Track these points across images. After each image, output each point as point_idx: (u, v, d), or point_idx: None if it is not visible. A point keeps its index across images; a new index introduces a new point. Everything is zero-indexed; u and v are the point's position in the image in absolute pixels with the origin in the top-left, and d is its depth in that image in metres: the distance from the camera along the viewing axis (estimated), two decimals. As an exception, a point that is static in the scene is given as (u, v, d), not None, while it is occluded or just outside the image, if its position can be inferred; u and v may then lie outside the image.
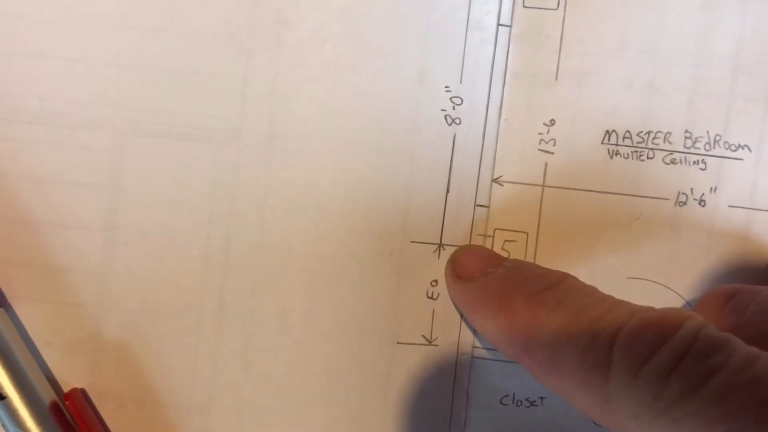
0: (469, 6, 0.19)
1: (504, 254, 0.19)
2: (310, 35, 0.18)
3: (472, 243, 0.19)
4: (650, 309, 0.15)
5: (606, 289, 0.18)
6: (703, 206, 0.19)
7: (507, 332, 0.16)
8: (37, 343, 0.18)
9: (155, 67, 0.18)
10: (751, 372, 0.12)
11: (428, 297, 0.19)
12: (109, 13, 0.18)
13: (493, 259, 0.18)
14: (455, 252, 0.19)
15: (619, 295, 0.19)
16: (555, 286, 0.16)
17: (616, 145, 0.19)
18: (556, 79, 0.19)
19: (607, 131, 0.19)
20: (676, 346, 0.13)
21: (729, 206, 0.19)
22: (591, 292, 0.16)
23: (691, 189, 0.19)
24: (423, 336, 0.19)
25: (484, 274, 0.17)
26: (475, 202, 0.19)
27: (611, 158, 0.19)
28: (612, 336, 0.14)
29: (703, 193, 0.19)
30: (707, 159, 0.19)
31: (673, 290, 0.19)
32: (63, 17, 0.18)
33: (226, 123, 0.18)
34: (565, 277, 0.16)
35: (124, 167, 0.18)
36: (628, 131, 0.19)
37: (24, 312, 0.18)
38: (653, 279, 0.19)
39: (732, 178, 0.19)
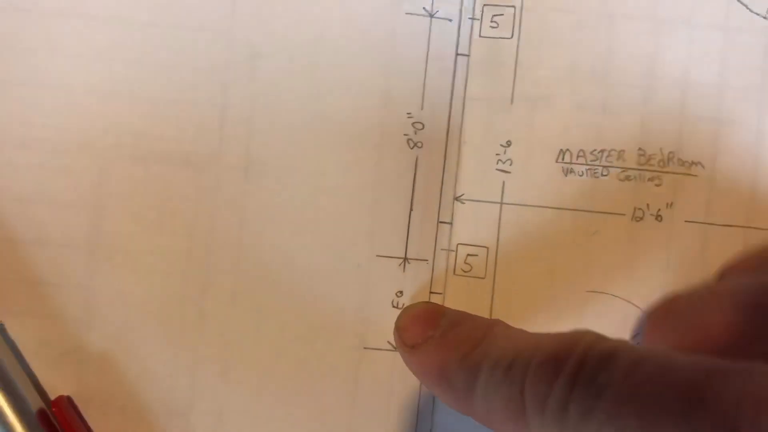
0: (429, 38, 0.20)
1: (467, 268, 0.20)
2: (281, 67, 0.20)
3: (414, 304, 0.20)
4: (554, 338, 0.15)
5: (566, 302, 0.19)
6: (660, 221, 0.20)
7: (449, 399, 0.17)
8: (25, 354, 0.19)
9: (137, 96, 0.19)
10: (634, 380, 0.13)
11: (393, 306, 0.20)
12: (94, 45, 0.19)
13: (431, 321, 0.18)
14: (399, 318, 0.19)
15: (579, 309, 0.19)
16: (481, 341, 0.17)
17: (570, 163, 0.20)
18: (512, 103, 0.20)
19: (561, 150, 0.20)
20: (568, 374, 0.14)
21: (685, 221, 0.20)
22: (510, 336, 0.17)
23: (647, 204, 0.20)
24: (389, 342, 0.20)
25: (425, 340, 0.18)
26: (438, 218, 0.20)
27: (566, 176, 0.20)
28: (522, 381, 0.15)
29: (659, 209, 0.20)
30: (662, 175, 0.20)
31: (632, 303, 0.20)
32: (48, 47, 0.19)
33: (205, 148, 0.20)
34: (491, 326, 0.17)
35: (108, 189, 0.19)
36: (581, 150, 0.20)
37: (13, 325, 0.19)
38: (612, 293, 0.20)
39: (687, 193, 0.20)
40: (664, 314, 0.18)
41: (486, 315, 0.20)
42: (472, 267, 0.20)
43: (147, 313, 0.20)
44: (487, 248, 0.20)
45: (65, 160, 0.19)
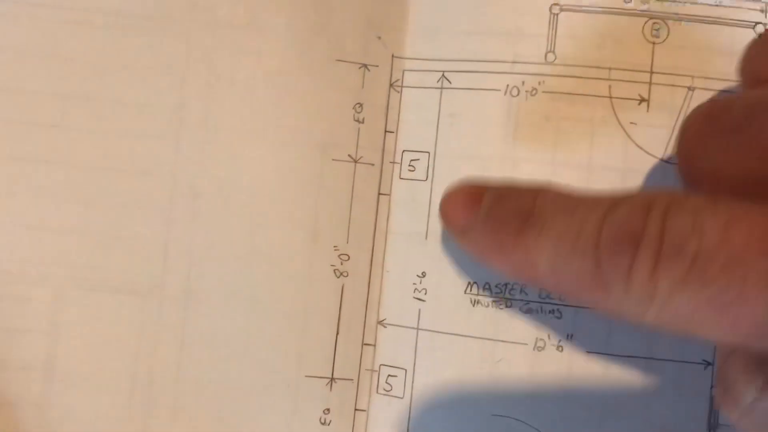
0: (354, 180, 0.22)
1: (388, 387, 0.22)
2: (220, 206, 0.22)
3: (455, 188, 0.19)
4: (619, 202, 0.15)
5: (474, 424, 0.20)
6: (561, 351, 0.21)
7: (511, 272, 0.17)
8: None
9: (88, 232, 0.21)
10: (728, 240, 0.13)
11: (321, 423, 0.22)
12: (48, 186, 0.21)
13: (474, 200, 0.18)
14: (440, 205, 0.19)
15: (484, 431, 0.21)
16: (531, 214, 0.16)
17: (477, 294, 0.21)
18: (426, 238, 0.22)
19: (469, 282, 0.22)
20: (652, 244, 0.13)
21: (587, 351, 0.21)
22: (563, 204, 0.16)
23: (548, 335, 0.21)
24: (316, 459, 0.22)
25: (473, 222, 0.17)
26: (363, 341, 0.22)
27: (473, 306, 0.21)
28: (595, 254, 0.14)
29: (560, 340, 0.21)
30: (562, 309, 0.21)
31: (536, 429, 0.21)
32: (6, 190, 0.21)
33: (150, 279, 0.22)
34: (536, 196, 0.16)
35: (62, 316, 0.22)
36: (487, 283, 0.21)
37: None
38: (517, 417, 0.21)
39: (586, 325, 0.21)
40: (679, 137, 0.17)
41: (404, 432, 0.21)
42: (392, 387, 0.22)
43: (96, 429, 0.21)
44: (405, 370, 0.22)
45: (23, 291, 0.21)
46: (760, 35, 0.20)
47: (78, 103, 0.22)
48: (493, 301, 0.21)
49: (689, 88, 0.21)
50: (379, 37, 0.22)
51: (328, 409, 0.22)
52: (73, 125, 0.22)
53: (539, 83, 0.21)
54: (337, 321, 0.22)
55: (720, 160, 0.16)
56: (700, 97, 0.21)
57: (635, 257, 0.14)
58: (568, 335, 0.21)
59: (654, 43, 0.21)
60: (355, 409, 0.22)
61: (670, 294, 0.13)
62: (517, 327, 0.21)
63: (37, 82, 0.21)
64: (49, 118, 0.22)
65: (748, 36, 0.21)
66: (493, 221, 0.17)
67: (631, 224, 0.14)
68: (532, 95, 0.21)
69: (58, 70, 0.22)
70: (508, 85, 0.21)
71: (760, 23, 0.21)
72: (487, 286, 0.21)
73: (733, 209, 0.14)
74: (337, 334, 0.22)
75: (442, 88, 0.22)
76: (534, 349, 0.21)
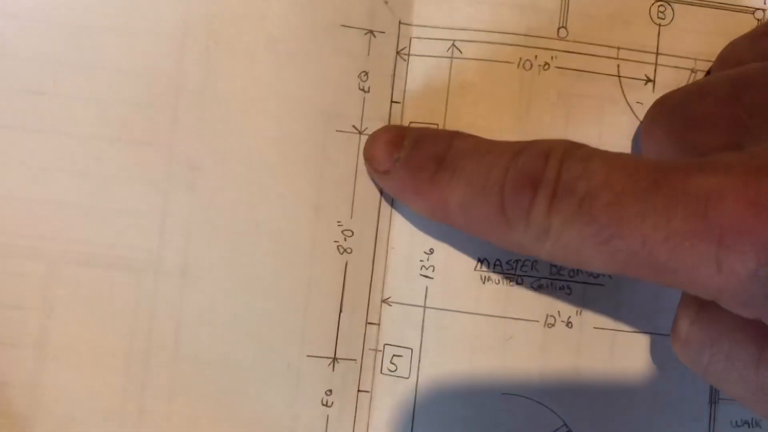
0: (358, 153, 0.25)
1: (393, 367, 0.25)
2: (218, 179, 0.25)
3: (381, 130, 0.24)
4: (523, 150, 0.20)
5: (482, 404, 0.23)
6: (570, 328, 0.25)
7: (427, 212, 0.22)
8: (-28, 448, 0.24)
9: (82, 205, 0.25)
10: (610, 183, 0.17)
11: (323, 404, 0.25)
12: (40, 158, 0.25)
13: (395, 144, 0.23)
14: (365, 147, 0.24)
15: (494, 410, 0.24)
16: (445, 159, 0.21)
17: (488, 271, 0.25)
18: (434, 214, 0.25)
19: (479, 259, 0.25)
20: (547, 186, 0.18)
21: (594, 328, 0.25)
22: (474, 150, 0.21)
23: (558, 312, 0.25)
24: (319, 439, 0.25)
25: (393, 164, 0.22)
26: (367, 320, 0.25)
27: (483, 283, 0.25)
28: (500, 196, 0.19)
29: (569, 316, 0.25)
30: (572, 285, 0.25)
31: (546, 406, 0.25)
32: None
33: (146, 254, 0.25)
34: (451, 139, 0.22)
35: (55, 292, 0.24)
36: (497, 259, 0.25)
37: (-35, 420, 0.24)
38: (527, 395, 0.25)
39: (595, 302, 0.25)
40: (658, 111, 0.22)
41: (410, 414, 0.25)
42: (397, 367, 0.25)
43: (90, 409, 0.24)
44: (411, 349, 0.25)
45: (15, 265, 0.24)
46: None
47: (70, 69, 0.25)
48: (504, 278, 0.24)
49: (692, 71, 0.25)
50: (386, 2, 0.25)
51: (331, 390, 0.25)
52: (65, 93, 0.25)
53: (552, 58, 0.24)
54: (340, 299, 0.25)
55: (705, 134, 0.20)
56: None
57: (534, 198, 0.19)
58: (577, 311, 0.24)
59: (660, 25, 0.25)
60: (358, 390, 0.25)
61: (562, 229, 0.18)
62: (528, 304, 0.25)
63: (26, 47, 0.24)
64: (39, 85, 0.25)
65: (749, 21, 0.25)
66: (411, 164, 0.22)
67: (532, 169, 0.19)
68: (544, 69, 0.24)
69: (48, 34, 0.25)
70: (521, 58, 0.24)
71: (760, 9, 0.24)
72: (498, 263, 0.25)
73: (619, 157, 0.18)
74: (340, 312, 0.25)
75: (452, 57, 0.25)
76: (544, 326, 0.24)
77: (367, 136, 0.26)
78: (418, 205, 0.22)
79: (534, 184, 0.19)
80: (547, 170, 0.19)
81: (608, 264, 0.18)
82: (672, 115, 0.22)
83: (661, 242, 0.16)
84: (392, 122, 0.26)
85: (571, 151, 0.19)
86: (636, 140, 0.25)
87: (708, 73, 0.25)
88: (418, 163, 0.21)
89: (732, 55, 0.23)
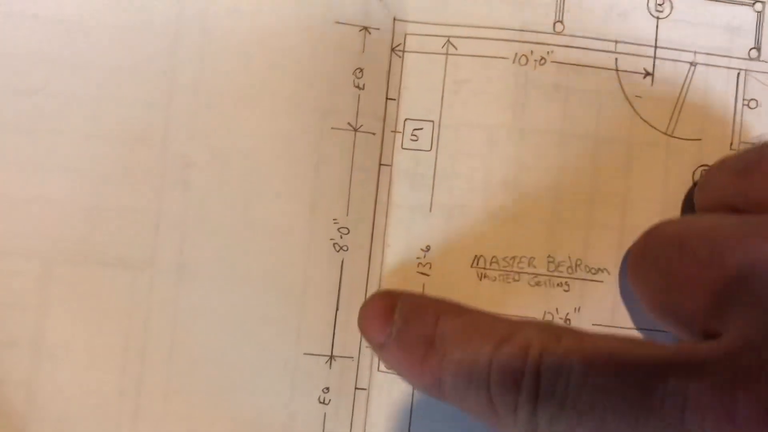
0: (354, 150, 0.25)
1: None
2: (213, 176, 0.25)
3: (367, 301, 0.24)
4: (504, 342, 0.20)
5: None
6: (569, 324, 0.25)
7: (422, 388, 0.22)
8: (-32, 447, 0.24)
9: (77, 204, 0.25)
10: (590, 387, 0.18)
11: (320, 402, 0.25)
12: (34, 156, 0.25)
13: (386, 318, 0.23)
14: (358, 320, 0.24)
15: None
16: (433, 341, 0.22)
17: (484, 268, 0.25)
18: (430, 210, 0.25)
19: (476, 256, 0.25)
20: (528, 389, 0.19)
21: (593, 324, 0.25)
22: (460, 334, 0.21)
23: (556, 309, 0.25)
24: (315, 437, 0.25)
25: (387, 338, 0.23)
26: (363, 318, 0.25)
27: (480, 280, 0.25)
28: (487, 389, 0.20)
29: (567, 313, 0.25)
30: (570, 281, 0.25)
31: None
32: None
33: (141, 252, 0.25)
34: (437, 321, 0.22)
35: (51, 291, 0.24)
36: (494, 256, 0.25)
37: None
38: (524, 389, 0.25)
39: (594, 299, 0.25)
40: (640, 263, 0.23)
41: (408, 412, 0.25)
42: (394, 365, 0.25)
43: (85, 408, 0.24)
44: (408, 347, 0.25)
45: (10, 264, 0.24)
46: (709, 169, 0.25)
47: (62, 67, 0.25)
48: (501, 275, 0.24)
49: (691, 64, 0.25)
50: (381, -2, 0.25)
51: (328, 388, 0.25)
52: (58, 91, 0.25)
53: (548, 53, 0.24)
54: (336, 297, 0.25)
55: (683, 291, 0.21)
56: (702, 73, 0.26)
57: (518, 397, 0.19)
58: (575, 308, 0.24)
59: (658, 18, 0.24)
60: (356, 388, 0.25)
61: (550, 427, 0.19)
62: (526, 301, 0.25)
63: (18, 46, 0.24)
64: (32, 84, 0.25)
65: (747, 13, 0.25)
66: (402, 344, 0.22)
67: (513, 364, 0.20)
68: (540, 64, 0.24)
69: (40, 32, 0.24)
70: (516, 54, 0.24)
71: (759, 1, 0.24)
72: (494, 260, 0.25)
73: (597, 350, 0.19)
74: (337, 310, 0.25)
75: (447, 54, 0.25)
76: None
77: (362, 133, 0.26)
78: (414, 383, 0.22)
79: (516, 383, 0.19)
80: (528, 366, 0.19)
81: None
82: (652, 268, 0.22)
83: None
84: (387, 120, 0.26)
85: (550, 344, 0.19)
86: (632, 132, 0.25)
87: (689, 195, 0.25)
88: (408, 343, 0.22)
89: (714, 189, 0.23)
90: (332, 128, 0.25)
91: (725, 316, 0.19)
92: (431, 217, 0.25)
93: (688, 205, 0.25)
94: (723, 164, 0.23)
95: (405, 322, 0.22)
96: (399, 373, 0.23)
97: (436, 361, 0.21)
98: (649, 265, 0.22)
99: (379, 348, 0.23)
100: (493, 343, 0.20)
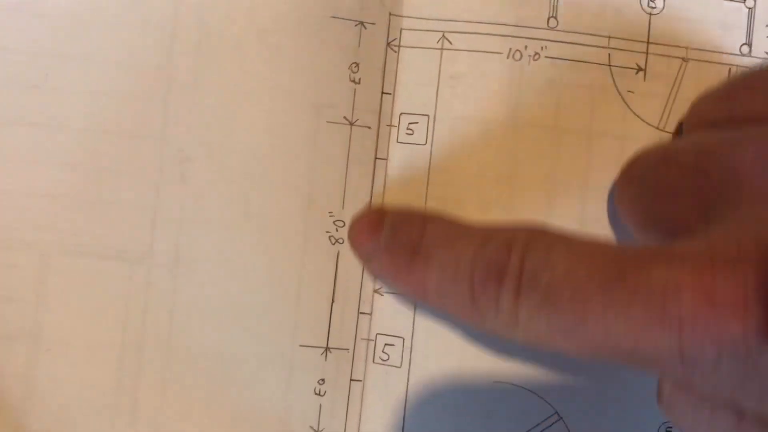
0: (349, 144, 0.25)
1: (385, 356, 0.25)
2: (210, 170, 0.25)
3: (363, 212, 0.25)
4: (487, 240, 0.20)
5: (475, 391, 0.24)
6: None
7: (408, 295, 0.23)
8: (-35, 440, 0.24)
9: (75, 197, 0.25)
10: (572, 274, 0.18)
11: (316, 394, 0.25)
12: (33, 150, 0.25)
13: (375, 229, 0.23)
14: (348, 233, 0.25)
15: (487, 399, 0.24)
16: (419, 245, 0.22)
17: (478, 262, 0.25)
18: (425, 204, 0.25)
19: (470, 249, 0.25)
20: (512, 280, 0.19)
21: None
22: (445, 238, 0.22)
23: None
24: (311, 427, 0.25)
25: (375, 249, 0.23)
26: (359, 310, 0.26)
27: (474, 273, 0.25)
28: (470, 286, 0.20)
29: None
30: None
31: (538, 395, 0.25)
32: None
33: (138, 245, 0.25)
34: (423, 228, 0.22)
35: (48, 284, 0.25)
36: (488, 249, 0.25)
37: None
38: (519, 384, 0.25)
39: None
40: (627, 178, 0.23)
41: (402, 403, 0.25)
42: (389, 356, 0.25)
43: (83, 401, 0.25)
44: (403, 338, 0.25)
45: (7, 257, 0.24)
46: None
47: (61, 62, 0.25)
48: (493, 268, 0.25)
49: (683, 59, 0.25)
50: (377, -7, 0.25)
51: (323, 380, 0.25)
52: (57, 86, 0.25)
53: (542, 48, 0.25)
54: (332, 289, 0.25)
55: (667, 209, 0.21)
56: (694, 69, 0.26)
57: (500, 289, 0.19)
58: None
59: (651, 14, 0.25)
60: (351, 380, 0.25)
61: (529, 320, 0.19)
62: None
63: (16, 40, 0.24)
64: (30, 79, 0.25)
65: (739, 10, 0.25)
66: (389, 251, 0.23)
67: (497, 260, 0.20)
68: (534, 60, 0.25)
69: (39, 27, 0.25)
70: (510, 49, 0.25)
71: (750, -2, 0.25)
72: (487, 253, 0.25)
73: (581, 246, 0.19)
74: (332, 302, 0.25)
75: (442, 49, 0.25)
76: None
77: (357, 127, 0.26)
78: (399, 288, 0.23)
79: (499, 275, 0.19)
80: (511, 261, 0.19)
81: (578, 352, 0.18)
82: (640, 184, 0.22)
83: (623, 334, 0.17)
84: (383, 114, 0.26)
85: (534, 240, 0.19)
86: (624, 126, 0.26)
87: (680, 125, 0.25)
88: (395, 249, 0.22)
89: (701, 112, 0.23)
90: (328, 122, 0.26)
91: (710, 221, 0.19)
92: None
93: (678, 128, 0.26)
94: (709, 90, 0.23)
95: (393, 230, 0.23)
96: (384, 281, 0.23)
97: (421, 264, 0.21)
98: (637, 181, 0.22)
99: (366, 259, 0.23)
100: (479, 242, 0.20)
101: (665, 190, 0.21)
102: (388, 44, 0.26)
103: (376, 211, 0.24)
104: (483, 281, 0.20)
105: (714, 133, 0.21)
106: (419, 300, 0.22)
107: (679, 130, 0.25)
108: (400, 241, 0.22)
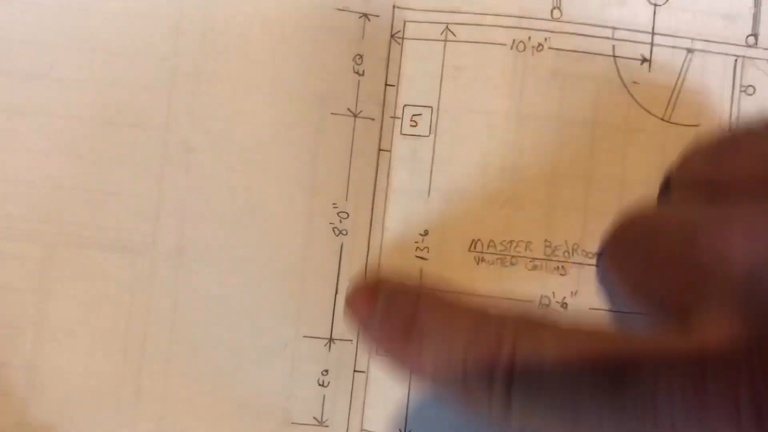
0: (353, 135, 0.25)
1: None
2: (214, 161, 0.25)
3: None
4: (480, 325, 0.20)
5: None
6: (565, 309, 0.25)
7: (405, 368, 0.22)
8: (-30, 429, 0.24)
9: (79, 188, 0.25)
10: (565, 378, 0.18)
11: (319, 384, 0.25)
12: (38, 141, 0.25)
13: (370, 301, 0.23)
14: (345, 302, 0.24)
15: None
16: (414, 322, 0.21)
17: (482, 252, 0.25)
18: (429, 195, 0.25)
19: (473, 240, 0.25)
20: (502, 379, 0.19)
21: (590, 309, 0.25)
22: (439, 316, 0.21)
23: (553, 293, 0.25)
24: (314, 418, 0.25)
25: (370, 324, 0.23)
26: (362, 301, 0.25)
27: (477, 264, 0.25)
28: (464, 373, 0.20)
29: (564, 297, 0.25)
30: (567, 266, 0.25)
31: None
32: None
33: (142, 236, 0.25)
34: (417, 303, 0.22)
35: (52, 274, 0.25)
36: (492, 240, 0.25)
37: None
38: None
39: (590, 283, 0.25)
40: (619, 242, 0.23)
41: (406, 394, 0.25)
42: (392, 347, 0.25)
43: (87, 390, 0.25)
44: (406, 330, 0.25)
45: (11, 248, 0.24)
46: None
47: (67, 52, 0.25)
48: (498, 258, 0.25)
49: (689, 50, 0.25)
50: (380, -15, 0.25)
51: (327, 370, 0.25)
52: (62, 76, 0.25)
53: (545, 39, 0.25)
54: (335, 280, 0.25)
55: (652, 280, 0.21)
56: (699, 60, 0.26)
57: (492, 384, 0.19)
58: (572, 292, 0.25)
59: (655, 5, 0.25)
60: (354, 371, 0.26)
61: (522, 413, 0.19)
62: (523, 284, 0.25)
63: (23, 31, 0.24)
64: (36, 69, 0.25)
65: (744, 0, 0.25)
66: (385, 325, 0.22)
67: (488, 351, 0.20)
68: (538, 51, 0.25)
69: (45, 17, 0.24)
70: (514, 40, 0.25)
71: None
72: (492, 244, 0.25)
73: (570, 341, 0.19)
74: (336, 293, 0.25)
75: (446, 40, 0.25)
76: (539, 307, 0.25)
77: (361, 119, 0.26)
78: (399, 365, 0.23)
79: (491, 368, 0.19)
80: (502, 353, 0.19)
81: None
82: (629, 254, 0.22)
83: (614, 427, 0.18)
84: (386, 106, 0.26)
85: (524, 329, 0.20)
86: (629, 118, 0.26)
87: (667, 179, 0.25)
88: (390, 324, 0.22)
89: (689, 171, 0.23)
90: (332, 114, 0.26)
91: (700, 299, 0.19)
92: (429, 202, 0.26)
93: (666, 182, 0.25)
94: (698, 147, 0.23)
95: (387, 304, 0.22)
96: (386, 354, 0.22)
97: (416, 343, 0.21)
98: (628, 248, 0.22)
99: (364, 330, 0.23)
100: (470, 325, 0.20)
101: (654, 264, 0.21)
102: (392, 36, 0.26)
103: (372, 282, 0.24)
104: (476, 373, 0.20)
105: (702, 203, 0.21)
106: (420, 379, 0.22)
107: (667, 184, 0.25)
108: (394, 316, 0.22)
